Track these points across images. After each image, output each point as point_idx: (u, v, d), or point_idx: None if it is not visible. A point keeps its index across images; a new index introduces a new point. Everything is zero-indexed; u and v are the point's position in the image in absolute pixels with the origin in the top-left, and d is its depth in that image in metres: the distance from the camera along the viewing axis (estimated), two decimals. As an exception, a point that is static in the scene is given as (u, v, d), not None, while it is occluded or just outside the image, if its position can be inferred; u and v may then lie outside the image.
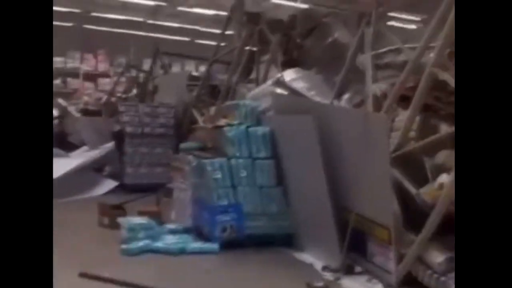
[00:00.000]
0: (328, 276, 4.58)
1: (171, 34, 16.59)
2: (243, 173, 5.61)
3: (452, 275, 3.79)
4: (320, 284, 4.34)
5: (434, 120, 4.92)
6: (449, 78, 4.38)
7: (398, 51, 5.49)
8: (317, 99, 6.01)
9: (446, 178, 4.04)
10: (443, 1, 4.60)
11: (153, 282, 4.33)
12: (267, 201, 5.58)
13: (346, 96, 5.98)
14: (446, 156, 4.34)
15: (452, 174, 3.99)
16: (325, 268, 4.73)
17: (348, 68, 5.88)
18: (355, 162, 4.67)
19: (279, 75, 6.67)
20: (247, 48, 8.57)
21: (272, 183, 5.61)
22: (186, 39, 17.34)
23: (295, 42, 7.49)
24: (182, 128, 8.90)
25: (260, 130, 5.78)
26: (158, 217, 6.11)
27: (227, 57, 9.32)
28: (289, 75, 6.57)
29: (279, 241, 5.44)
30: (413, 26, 12.69)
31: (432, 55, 4.64)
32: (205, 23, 15.63)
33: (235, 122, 6.02)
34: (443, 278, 3.82)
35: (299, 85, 6.33)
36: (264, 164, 5.65)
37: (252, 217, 5.51)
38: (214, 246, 5.33)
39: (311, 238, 5.24)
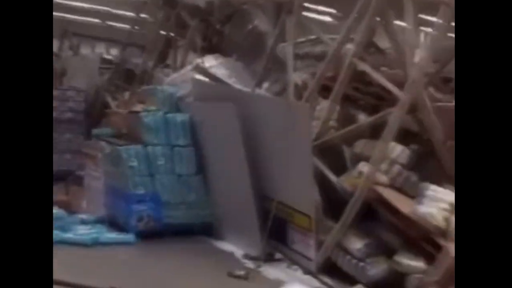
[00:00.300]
0: (249, 264, 4.58)
1: (80, 15, 15.72)
2: (161, 161, 5.45)
3: (370, 260, 3.92)
4: (241, 272, 4.33)
5: (353, 110, 5.05)
6: (368, 68, 4.51)
7: (317, 41, 5.57)
8: (238, 86, 5.94)
9: (365, 166, 4.16)
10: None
11: (64, 275, 4.05)
12: (186, 189, 5.46)
13: (266, 85, 5.98)
14: (365, 144, 4.47)
15: (371, 162, 4.11)
16: (246, 256, 4.72)
17: (269, 56, 5.87)
18: (277, 151, 4.68)
19: (198, 60, 6.51)
20: (164, 32, 8.30)
21: (191, 172, 5.50)
22: (97, 20, 16.52)
23: (214, 28, 7.35)
24: (94, 113, 8.46)
25: (179, 116, 5.62)
26: (68, 207, 5.80)
27: (142, 40, 8.97)
28: (209, 61, 6.44)
29: (199, 231, 5.36)
30: (328, 18, 12.97)
31: (350, 46, 4.75)
32: (117, 5, 14.97)
33: (152, 108, 5.80)
34: (362, 264, 3.94)
35: (220, 72, 6.22)
36: (183, 152, 5.51)
37: (171, 206, 5.37)
38: (130, 236, 5.14)
39: (232, 226, 5.20)
